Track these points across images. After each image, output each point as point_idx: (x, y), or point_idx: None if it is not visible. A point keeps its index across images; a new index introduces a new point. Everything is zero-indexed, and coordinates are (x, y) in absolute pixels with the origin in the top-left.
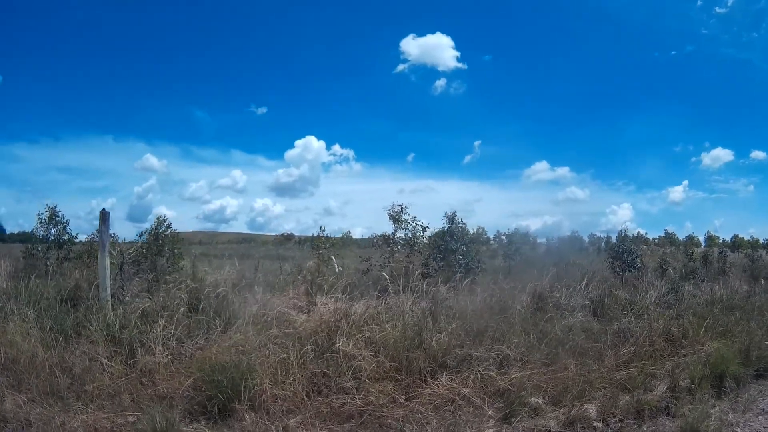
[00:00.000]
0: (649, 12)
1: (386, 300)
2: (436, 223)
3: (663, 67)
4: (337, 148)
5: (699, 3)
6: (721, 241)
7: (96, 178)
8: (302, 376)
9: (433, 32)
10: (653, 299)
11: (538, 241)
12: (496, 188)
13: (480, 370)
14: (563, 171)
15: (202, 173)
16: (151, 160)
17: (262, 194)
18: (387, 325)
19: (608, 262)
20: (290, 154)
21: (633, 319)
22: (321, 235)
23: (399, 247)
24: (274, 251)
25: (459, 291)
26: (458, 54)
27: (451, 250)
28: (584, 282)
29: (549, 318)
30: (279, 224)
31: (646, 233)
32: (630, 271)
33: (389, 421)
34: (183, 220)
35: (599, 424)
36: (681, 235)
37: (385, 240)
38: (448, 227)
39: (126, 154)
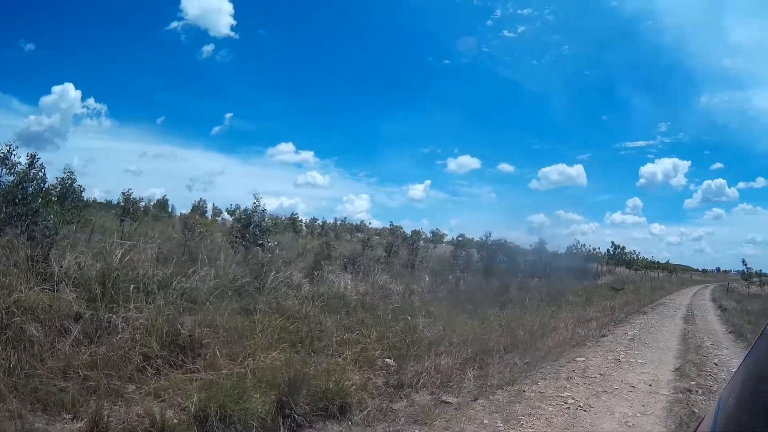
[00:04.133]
0: (436, 18)
1: None
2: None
3: (433, 73)
4: (91, 101)
5: (489, 23)
6: (450, 239)
7: None
8: None
9: None
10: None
11: None
12: (239, 163)
13: None
14: (308, 155)
15: None
16: None
17: (7, 142)
18: None
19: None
20: (45, 100)
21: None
22: None
23: None
24: None
25: None
26: (234, 23)
27: None
28: None
29: None
30: None
31: (369, 223)
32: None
33: None
34: None
35: None
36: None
37: None
38: None
39: None
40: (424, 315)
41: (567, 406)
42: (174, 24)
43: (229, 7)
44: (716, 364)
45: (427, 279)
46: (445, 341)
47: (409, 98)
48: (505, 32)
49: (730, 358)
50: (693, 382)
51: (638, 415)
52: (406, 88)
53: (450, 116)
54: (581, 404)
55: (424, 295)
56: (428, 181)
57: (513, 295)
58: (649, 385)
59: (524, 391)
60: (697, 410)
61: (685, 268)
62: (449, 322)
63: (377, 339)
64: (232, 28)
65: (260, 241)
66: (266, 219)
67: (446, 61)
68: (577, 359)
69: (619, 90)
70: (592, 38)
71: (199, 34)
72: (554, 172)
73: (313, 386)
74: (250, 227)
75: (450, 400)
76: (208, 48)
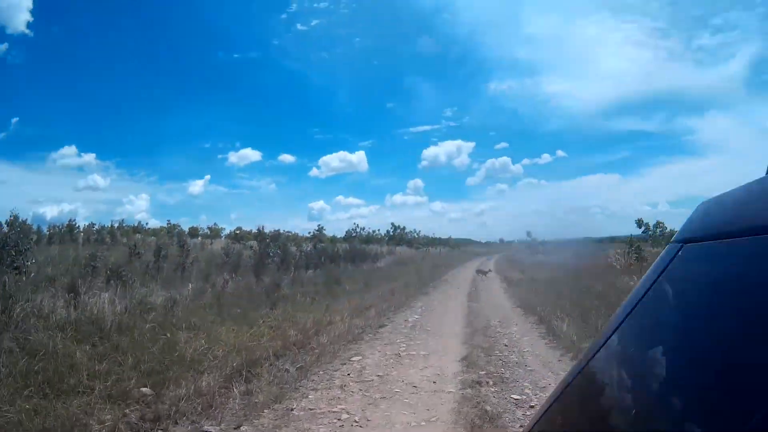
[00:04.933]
0: (230, 11)
1: None
2: None
3: (221, 67)
4: None
5: (284, 16)
6: (228, 232)
7: None
8: None
9: None
10: None
11: None
12: (23, 171)
13: None
14: (90, 157)
15: None
16: None
17: None
18: None
19: None
20: None
21: None
22: None
23: None
24: None
25: None
26: (31, 19)
27: None
28: None
29: None
30: None
31: (147, 223)
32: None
33: None
34: None
35: None
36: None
37: None
38: None
39: None
40: (186, 328)
41: (341, 423)
42: None
43: (28, 2)
44: (506, 345)
45: (190, 286)
46: (208, 355)
47: (194, 94)
48: (299, 25)
49: (520, 336)
50: (482, 372)
51: (422, 423)
52: (193, 84)
53: (234, 110)
54: (357, 418)
55: (188, 304)
56: (208, 176)
57: (285, 291)
58: (434, 383)
59: (292, 409)
60: (489, 408)
61: (468, 242)
62: (213, 332)
63: (133, 366)
64: (29, 25)
65: (16, 264)
66: (22, 236)
67: (236, 55)
68: (353, 359)
69: (407, 79)
70: (386, 31)
71: None
72: (335, 160)
73: None
74: (5, 248)
75: (211, 429)
76: (2, 47)
